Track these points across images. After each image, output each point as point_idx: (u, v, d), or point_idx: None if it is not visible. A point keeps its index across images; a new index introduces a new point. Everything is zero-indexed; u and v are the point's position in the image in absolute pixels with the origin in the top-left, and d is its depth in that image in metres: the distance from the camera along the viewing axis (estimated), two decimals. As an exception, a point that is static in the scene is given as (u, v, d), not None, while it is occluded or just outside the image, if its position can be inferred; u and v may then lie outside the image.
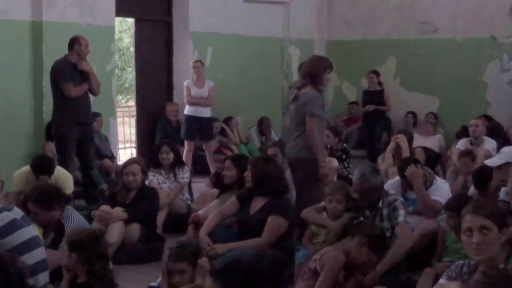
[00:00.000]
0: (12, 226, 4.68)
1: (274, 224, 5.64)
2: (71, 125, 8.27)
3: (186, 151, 10.43)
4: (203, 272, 4.53)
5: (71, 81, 8.20)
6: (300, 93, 6.61)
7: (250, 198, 5.88)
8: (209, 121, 10.77)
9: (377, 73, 12.42)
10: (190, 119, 10.55)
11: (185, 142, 10.59)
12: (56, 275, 4.92)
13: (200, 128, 10.53)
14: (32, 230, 4.92)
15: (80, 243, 4.37)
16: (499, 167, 5.79)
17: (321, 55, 6.93)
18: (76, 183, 8.12)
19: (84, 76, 8.32)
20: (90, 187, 8.52)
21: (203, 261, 4.59)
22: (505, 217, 3.87)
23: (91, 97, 8.60)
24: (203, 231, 5.79)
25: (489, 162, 6.01)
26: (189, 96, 10.55)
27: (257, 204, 5.81)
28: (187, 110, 10.60)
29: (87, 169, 8.58)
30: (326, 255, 4.62)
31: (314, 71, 6.59)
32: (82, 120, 8.39)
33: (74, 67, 8.28)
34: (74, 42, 8.33)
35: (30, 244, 4.72)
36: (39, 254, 4.78)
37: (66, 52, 8.44)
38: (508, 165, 5.81)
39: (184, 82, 10.76)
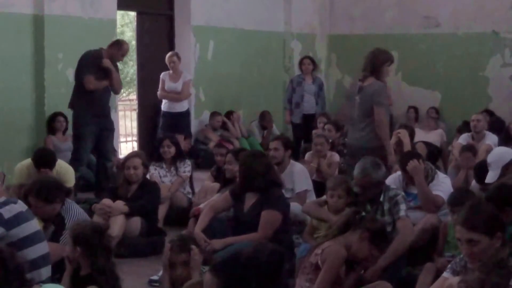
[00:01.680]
0: (18, 219, 4.69)
1: (268, 218, 5.62)
2: (89, 117, 8.30)
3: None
4: (196, 265, 4.52)
5: (93, 73, 8.24)
6: (364, 85, 6.75)
7: (243, 193, 5.85)
8: (185, 115, 10.54)
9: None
10: (166, 115, 10.34)
11: None
12: (57, 268, 4.91)
13: (175, 123, 10.28)
14: (36, 224, 4.93)
15: (84, 237, 4.38)
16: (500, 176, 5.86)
17: (382, 48, 7.06)
18: (79, 176, 8.11)
19: (107, 73, 8.35)
20: (103, 181, 8.51)
21: (195, 253, 4.57)
22: (499, 221, 3.85)
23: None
24: (197, 228, 5.77)
25: (489, 180, 6.03)
26: (162, 90, 10.32)
27: (250, 200, 5.79)
28: (163, 105, 10.38)
29: (104, 160, 8.59)
30: (328, 249, 4.60)
31: (375, 64, 6.77)
32: (99, 112, 8.42)
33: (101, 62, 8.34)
34: (116, 43, 8.41)
35: (33, 238, 4.73)
36: (42, 248, 4.78)
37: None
38: (506, 168, 5.88)
39: (161, 74, 10.49)
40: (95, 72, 8.29)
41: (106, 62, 8.37)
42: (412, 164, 6.06)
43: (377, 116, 6.62)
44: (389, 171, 6.43)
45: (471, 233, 3.74)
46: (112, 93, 8.71)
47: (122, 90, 20.41)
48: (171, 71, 10.37)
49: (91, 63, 8.32)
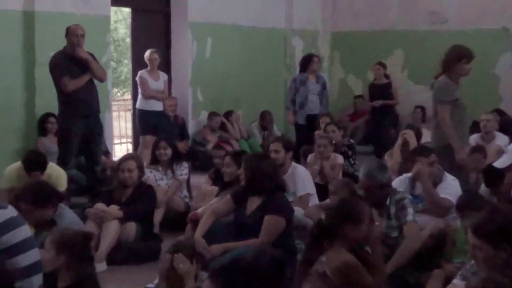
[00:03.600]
0: (9, 225, 4.67)
1: (271, 223, 5.61)
2: (75, 118, 8.27)
3: (141, 148, 10.28)
4: (187, 274, 4.51)
5: (66, 74, 8.18)
6: (435, 81, 6.88)
7: (245, 197, 5.86)
8: (164, 115, 10.57)
9: (383, 65, 12.39)
10: (146, 114, 10.29)
11: (140, 138, 10.44)
12: (49, 276, 4.90)
13: (155, 123, 10.26)
14: (27, 230, 4.91)
15: (72, 245, 4.31)
16: (510, 167, 5.81)
17: (461, 44, 7.11)
18: (71, 180, 8.11)
19: (84, 67, 8.31)
20: (96, 184, 8.50)
21: (180, 261, 4.54)
22: (509, 234, 3.88)
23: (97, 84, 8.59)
24: (198, 234, 5.76)
25: (498, 163, 6.03)
26: (148, 90, 10.26)
27: (253, 204, 5.79)
28: (141, 104, 10.33)
29: (93, 165, 8.58)
30: (333, 257, 4.55)
31: (446, 59, 6.84)
32: (86, 112, 8.38)
33: (72, 58, 8.27)
34: (66, 33, 8.33)
35: (25, 245, 4.70)
36: (33, 255, 4.76)
37: (59, 43, 8.44)
38: None
39: (139, 73, 10.43)
40: (69, 72, 8.23)
41: (80, 52, 8.26)
42: (416, 168, 6.06)
43: (440, 114, 6.74)
44: (458, 171, 6.47)
45: (477, 239, 3.83)
46: (99, 89, 8.61)
47: (115, 90, 20.59)
48: (149, 69, 10.33)
49: (61, 65, 8.22)
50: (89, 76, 8.37)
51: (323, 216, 5.28)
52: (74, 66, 8.26)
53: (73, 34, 8.28)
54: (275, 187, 5.81)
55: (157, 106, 10.38)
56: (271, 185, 5.77)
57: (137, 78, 10.48)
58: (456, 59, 6.78)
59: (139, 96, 10.41)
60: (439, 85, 6.76)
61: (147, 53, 10.35)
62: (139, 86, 10.41)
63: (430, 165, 6.16)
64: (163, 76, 10.48)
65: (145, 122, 10.33)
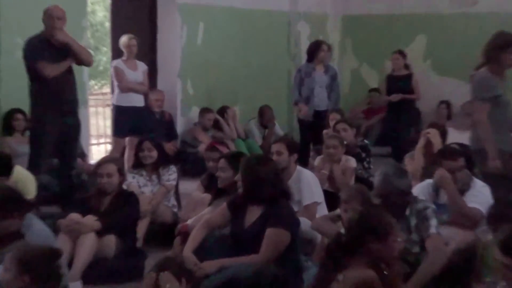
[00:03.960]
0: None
1: (273, 237, 5.59)
2: (49, 115, 8.26)
3: (113, 150, 10.28)
4: None
5: (44, 58, 8.17)
6: (475, 73, 6.76)
7: (243, 206, 5.85)
8: (148, 112, 10.52)
9: (403, 54, 12.40)
10: (123, 110, 10.14)
11: (113, 140, 10.41)
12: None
13: (135, 121, 10.12)
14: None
15: (38, 264, 4.28)
16: None
17: (507, 31, 6.95)
18: (42, 186, 8.10)
19: (65, 54, 8.29)
20: (70, 191, 8.49)
21: (167, 280, 4.54)
22: None
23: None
24: (187, 249, 5.76)
25: None
26: (124, 81, 10.12)
27: (253, 214, 5.78)
28: (118, 99, 10.18)
29: (68, 169, 8.58)
30: (352, 275, 4.54)
31: (490, 47, 6.71)
32: (63, 108, 8.37)
33: (50, 44, 8.26)
34: (43, 15, 8.33)
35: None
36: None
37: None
38: None
39: (113, 63, 10.35)
40: (46, 57, 8.22)
41: (59, 35, 8.26)
42: (439, 173, 6.05)
43: (475, 113, 6.68)
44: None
45: (505, 257, 3.91)
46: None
47: (93, 82, 20.58)
48: (125, 58, 10.25)
49: (38, 48, 8.22)
50: (71, 61, 8.36)
51: (341, 230, 5.30)
52: (53, 52, 8.24)
53: (48, 17, 8.28)
54: (278, 194, 5.80)
55: (138, 101, 10.22)
56: (273, 193, 5.76)
57: (111, 70, 10.42)
58: (500, 47, 6.66)
59: (116, 90, 10.31)
60: (476, 79, 6.68)
61: (124, 39, 10.24)
62: (114, 78, 10.29)
63: (458, 170, 6.15)
64: (141, 66, 10.36)
65: (122, 121, 10.19)
